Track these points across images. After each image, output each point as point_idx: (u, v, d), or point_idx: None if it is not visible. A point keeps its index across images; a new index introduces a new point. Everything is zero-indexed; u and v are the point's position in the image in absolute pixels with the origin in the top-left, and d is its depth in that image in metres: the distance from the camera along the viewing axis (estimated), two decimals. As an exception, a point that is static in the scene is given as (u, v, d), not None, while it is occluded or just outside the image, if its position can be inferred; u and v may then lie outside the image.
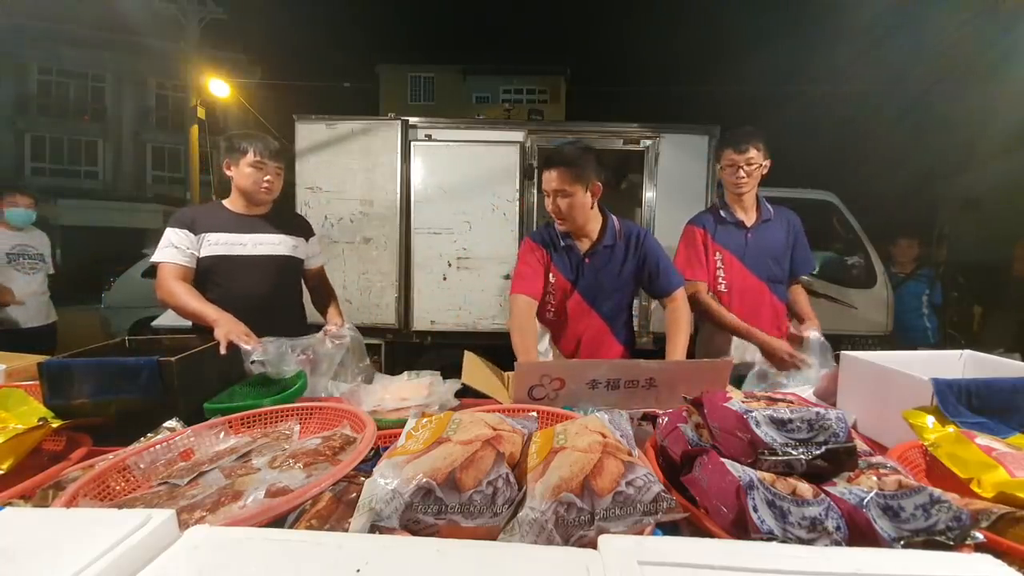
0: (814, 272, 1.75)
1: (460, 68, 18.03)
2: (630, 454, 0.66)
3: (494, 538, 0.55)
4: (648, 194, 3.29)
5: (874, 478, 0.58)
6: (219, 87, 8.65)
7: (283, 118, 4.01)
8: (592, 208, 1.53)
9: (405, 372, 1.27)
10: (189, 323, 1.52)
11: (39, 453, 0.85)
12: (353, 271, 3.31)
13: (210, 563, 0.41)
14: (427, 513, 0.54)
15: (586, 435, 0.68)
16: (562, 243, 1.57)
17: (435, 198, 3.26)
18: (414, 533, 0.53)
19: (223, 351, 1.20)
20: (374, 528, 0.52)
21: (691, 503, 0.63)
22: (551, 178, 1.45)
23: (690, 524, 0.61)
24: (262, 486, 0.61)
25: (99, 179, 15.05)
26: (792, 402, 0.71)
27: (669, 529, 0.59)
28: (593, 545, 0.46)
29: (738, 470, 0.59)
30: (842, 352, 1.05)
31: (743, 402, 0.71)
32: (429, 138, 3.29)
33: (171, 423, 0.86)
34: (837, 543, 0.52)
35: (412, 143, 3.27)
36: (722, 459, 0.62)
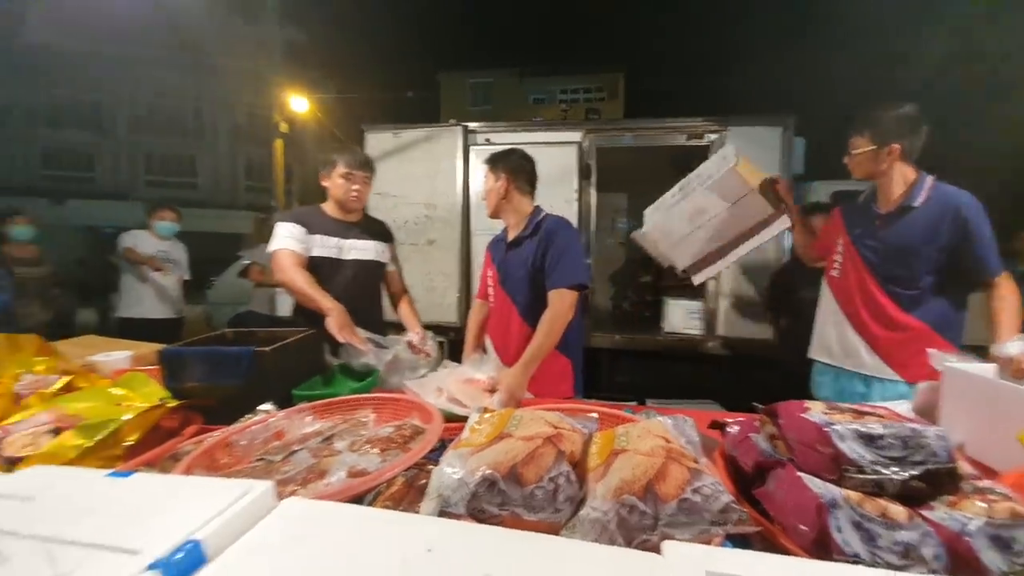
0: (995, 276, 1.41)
1: (517, 71, 18.20)
2: (696, 461, 0.64)
3: (556, 533, 0.55)
4: (715, 192, 3.13)
5: (981, 504, 0.52)
6: (298, 103, 9.41)
7: (353, 128, 4.29)
8: (506, 199, 1.70)
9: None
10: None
11: (159, 429, 0.97)
12: (417, 272, 3.46)
13: (302, 531, 0.45)
14: (491, 504, 0.56)
15: (648, 439, 0.67)
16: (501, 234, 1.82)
17: (494, 200, 3.33)
18: (479, 522, 0.56)
19: (340, 339, 1.38)
20: (443, 513, 0.55)
21: (764, 518, 0.60)
22: None
23: (763, 540, 0.58)
24: (344, 467, 0.67)
25: (198, 189, 16.92)
26: (883, 416, 0.65)
27: (739, 543, 0.57)
28: (656, 550, 0.46)
29: (819, 487, 0.55)
30: (947, 364, 0.94)
31: (824, 413, 0.66)
32: (488, 142, 3.37)
33: (266, 406, 0.96)
34: (934, 572, 0.47)
35: (471, 147, 3.36)
36: (799, 473, 0.59)
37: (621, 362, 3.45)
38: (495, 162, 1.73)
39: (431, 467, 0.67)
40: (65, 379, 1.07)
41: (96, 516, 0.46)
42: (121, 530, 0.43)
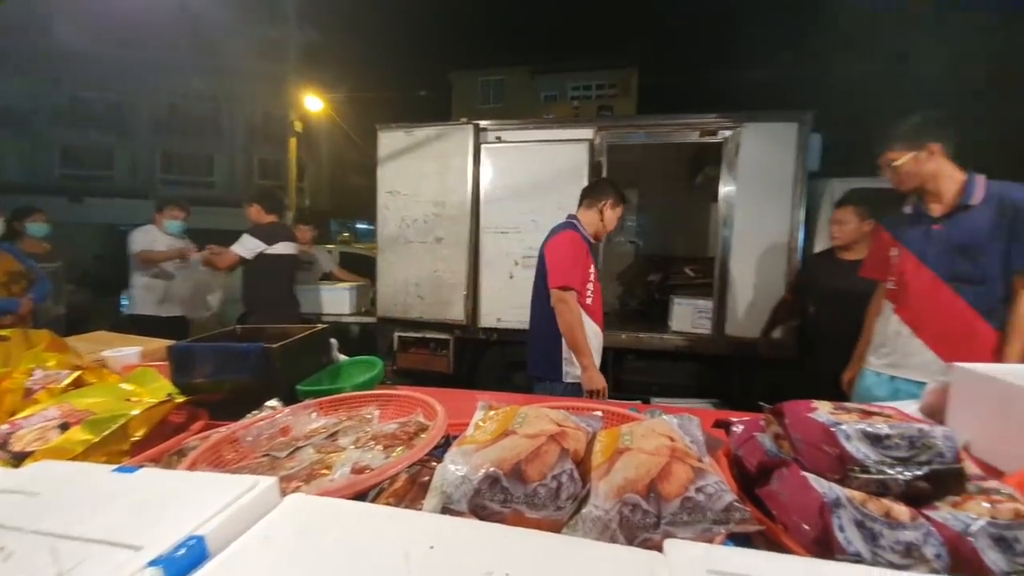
0: None
1: (529, 68, 18.14)
2: (700, 460, 0.63)
3: (558, 531, 0.56)
4: (726, 188, 3.09)
5: (985, 504, 0.51)
6: (313, 102, 9.49)
7: (366, 128, 4.33)
8: None
9: None
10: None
11: (165, 424, 0.98)
12: (426, 269, 3.48)
13: (306, 526, 0.46)
14: (494, 501, 0.56)
15: (653, 438, 0.67)
16: None
17: (503, 198, 3.33)
18: (481, 519, 0.56)
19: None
20: (445, 510, 0.56)
21: (767, 517, 0.60)
22: None
23: (765, 539, 0.57)
24: (348, 463, 0.68)
25: (214, 188, 17.19)
26: (891, 416, 0.64)
27: (741, 542, 0.57)
28: (658, 548, 0.46)
29: (823, 486, 0.54)
30: (955, 364, 0.92)
31: (831, 413, 0.65)
32: (499, 140, 3.36)
33: (272, 402, 0.97)
34: (935, 572, 0.46)
35: (482, 145, 3.36)
36: (804, 473, 0.58)
37: (628, 361, 3.44)
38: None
39: (435, 464, 0.67)
40: (75, 374, 1.08)
41: (100, 512, 0.47)
42: (125, 526, 0.44)
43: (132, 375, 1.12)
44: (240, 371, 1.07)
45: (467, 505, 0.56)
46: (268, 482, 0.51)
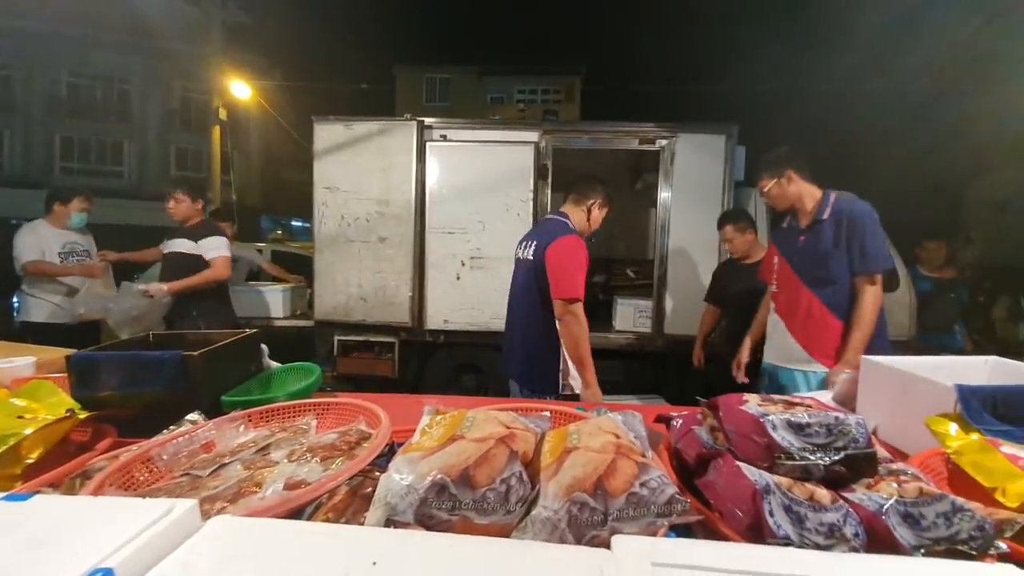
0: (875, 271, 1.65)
1: (476, 69, 18.09)
2: (644, 455, 0.65)
3: (507, 536, 0.55)
4: (663, 194, 3.27)
5: (894, 485, 0.57)
6: (240, 89, 8.83)
7: (301, 119, 4.08)
8: None
9: None
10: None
11: (66, 443, 0.87)
12: (368, 270, 3.35)
13: (231, 552, 0.42)
14: (441, 509, 0.54)
15: (600, 435, 0.68)
16: None
17: (449, 198, 3.29)
18: (428, 528, 0.54)
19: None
20: (389, 522, 0.53)
21: (705, 506, 0.63)
22: None
23: (704, 527, 0.60)
24: (281, 479, 0.63)
25: (124, 178, 15.49)
26: (810, 406, 0.70)
27: (682, 532, 0.59)
28: (606, 545, 0.46)
29: (754, 474, 0.58)
30: (864, 356, 1.03)
31: (760, 405, 0.70)
32: (444, 138, 3.32)
33: (193, 416, 0.88)
34: (855, 550, 0.51)
35: (427, 143, 3.30)
36: (737, 463, 0.61)
37: (574, 360, 3.52)
38: None
39: (378, 474, 0.64)
40: (-47, 390, 0.93)
41: (-17, 548, 0.40)
42: (15, 564, 0.39)
43: (24, 389, 0.98)
44: (154, 383, 0.96)
45: (413, 516, 0.53)
46: (187, 504, 0.47)
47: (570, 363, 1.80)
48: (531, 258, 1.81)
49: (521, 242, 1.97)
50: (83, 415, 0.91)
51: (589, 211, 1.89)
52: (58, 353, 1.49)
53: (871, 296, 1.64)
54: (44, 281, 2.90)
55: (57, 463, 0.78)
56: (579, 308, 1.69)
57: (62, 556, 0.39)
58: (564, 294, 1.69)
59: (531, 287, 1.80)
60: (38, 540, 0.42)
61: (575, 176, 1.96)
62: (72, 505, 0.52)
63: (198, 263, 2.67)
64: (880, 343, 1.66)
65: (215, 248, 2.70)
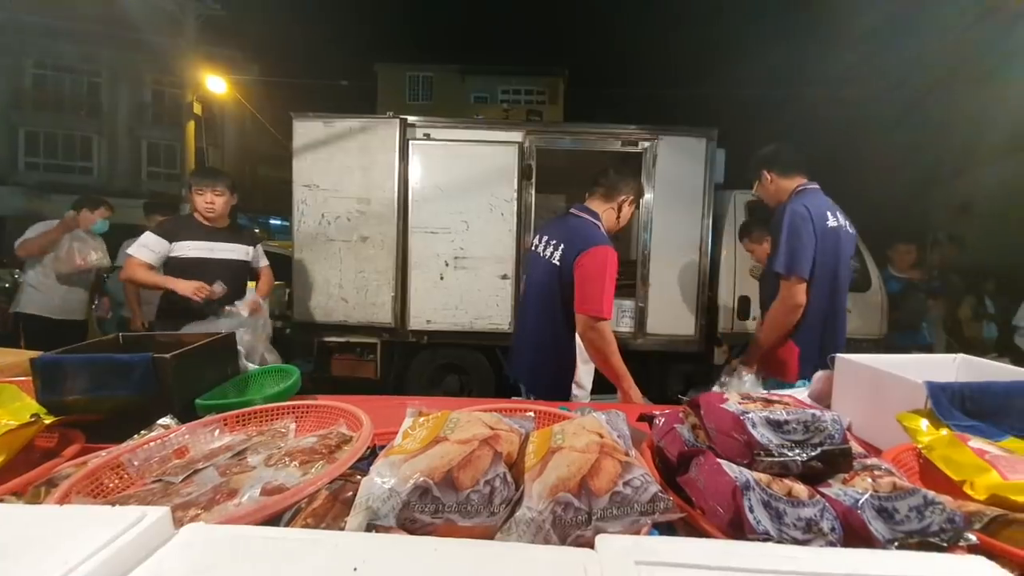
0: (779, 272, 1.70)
1: (459, 68, 18.01)
2: (627, 454, 0.66)
3: (491, 537, 0.54)
4: (646, 196, 3.31)
5: (869, 480, 0.59)
6: (216, 83, 8.60)
7: (280, 116, 4.00)
8: None
9: None
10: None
11: (31, 450, 0.83)
12: (350, 270, 3.30)
13: (205, 561, 0.41)
14: (424, 512, 0.54)
15: (584, 435, 0.68)
16: None
17: (433, 197, 3.26)
18: (411, 532, 0.53)
19: (199, 296, 1.98)
20: (371, 527, 0.52)
21: (687, 503, 0.63)
22: None
23: (686, 524, 0.61)
24: (258, 484, 0.61)
25: (93, 175, 14.93)
26: (788, 404, 0.72)
27: (665, 529, 0.60)
28: (590, 545, 0.46)
29: (734, 471, 0.59)
30: (837, 355, 1.06)
31: (740, 403, 0.71)
32: (427, 137, 3.29)
33: (165, 420, 0.85)
34: (832, 544, 0.52)
35: (410, 142, 3.27)
36: (718, 460, 0.62)
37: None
38: None
39: (359, 478, 0.63)
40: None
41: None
42: None
43: (-15, 393, 0.93)
44: (124, 387, 0.93)
45: (395, 520, 0.53)
46: (158, 512, 0.45)
47: (579, 368, 1.74)
48: (556, 263, 1.61)
49: (542, 235, 1.77)
50: (49, 420, 0.87)
51: (619, 208, 1.72)
52: (21, 356, 1.42)
53: (781, 295, 1.67)
54: (44, 278, 2.99)
55: (21, 471, 0.74)
56: (605, 327, 1.56)
57: (26, 569, 0.38)
58: (591, 311, 1.54)
59: (551, 291, 1.64)
60: (0, 552, 0.40)
61: (603, 167, 1.77)
62: (37, 514, 0.50)
63: (248, 271, 2.38)
64: (834, 342, 1.67)
65: (263, 256, 2.46)
